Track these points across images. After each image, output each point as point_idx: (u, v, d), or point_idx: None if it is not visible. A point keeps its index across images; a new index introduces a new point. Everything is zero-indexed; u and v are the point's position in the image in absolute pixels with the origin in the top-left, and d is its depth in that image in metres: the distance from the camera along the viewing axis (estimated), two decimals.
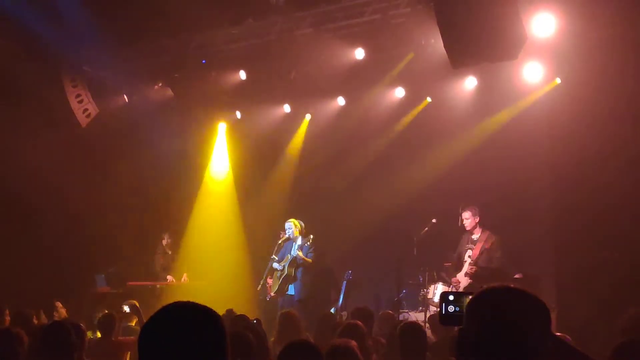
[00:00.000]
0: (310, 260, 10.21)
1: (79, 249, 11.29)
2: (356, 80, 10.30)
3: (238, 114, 12.05)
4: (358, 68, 9.78)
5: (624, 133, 8.30)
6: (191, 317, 1.90)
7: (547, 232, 9.68)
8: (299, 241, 10.36)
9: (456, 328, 2.00)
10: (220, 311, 2.32)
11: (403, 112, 11.04)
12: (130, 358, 6.56)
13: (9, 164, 10.48)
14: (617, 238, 8.36)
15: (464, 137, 10.54)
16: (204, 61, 10.58)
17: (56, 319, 7.89)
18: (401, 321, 6.86)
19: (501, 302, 1.89)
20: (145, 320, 1.94)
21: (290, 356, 3.82)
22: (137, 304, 7.35)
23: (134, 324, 7.80)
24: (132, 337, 6.72)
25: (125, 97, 11.45)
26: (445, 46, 7.44)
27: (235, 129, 12.49)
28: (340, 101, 11.30)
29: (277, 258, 10.47)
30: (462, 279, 9.29)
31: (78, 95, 10.62)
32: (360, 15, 9.20)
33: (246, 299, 10.65)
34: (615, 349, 3.71)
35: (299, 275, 10.30)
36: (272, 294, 10.41)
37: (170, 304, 1.94)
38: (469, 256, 9.35)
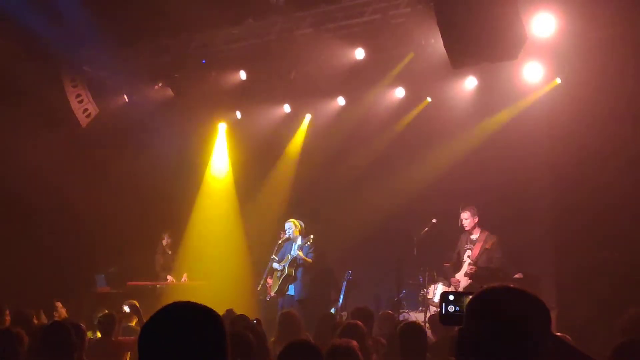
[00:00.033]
0: (310, 260, 10.21)
1: (79, 249, 11.30)
2: (356, 80, 10.30)
3: (238, 114, 12.05)
4: (358, 68, 9.78)
5: (624, 133, 8.31)
6: (191, 317, 1.90)
7: (547, 232, 9.69)
8: (299, 241, 10.36)
9: (456, 328, 2.00)
10: (220, 311, 2.32)
11: (403, 112, 11.04)
12: (130, 358, 6.57)
13: (9, 164, 10.49)
14: (617, 238, 8.37)
15: (464, 137, 10.54)
16: (204, 61, 10.59)
17: (56, 319, 7.88)
18: (401, 321, 6.86)
19: (501, 302, 1.89)
20: (145, 320, 1.94)
21: (290, 356, 3.82)
22: (137, 304, 7.35)
23: (134, 324, 7.81)
24: (132, 337, 6.72)
25: (125, 97, 11.45)
26: (445, 46, 7.44)
27: (235, 129, 12.49)
28: (340, 101, 11.30)
29: (277, 258, 10.46)
30: (462, 279, 9.30)
31: (78, 95, 10.62)
32: (360, 15, 9.20)
33: (246, 299, 10.65)
34: (615, 349, 3.71)
35: (299, 275, 10.30)
36: (272, 294, 10.41)
37: (170, 304, 1.94)
38: (468, 256, 9.35)
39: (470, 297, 1.99)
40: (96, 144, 11.39)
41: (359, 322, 5.55)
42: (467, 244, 9.48)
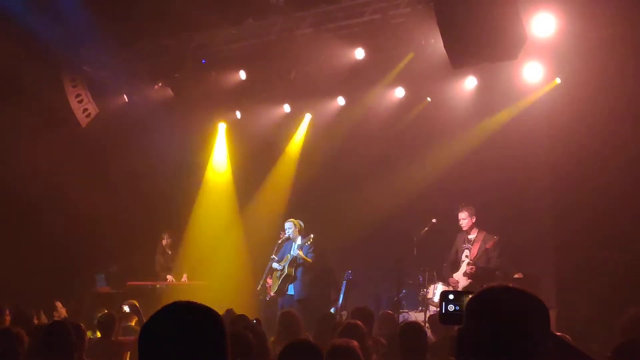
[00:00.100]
0: (310, 260, 10.21)
1: (79, 249, 11.29)
2: (356, 80, 10.30)
3: (238, 114, 12.05)
4: (358, 68, 9.78)
5: (624, 133, 8.32)
6: (191, 317, 1.90)
7: (547, 232, 9.69)
8: (299, 241, 10.36)
9: (456, 327, 2.00)
10: (220, 311, 2.31)
11: (403, 112, 11.04)
12: (130, 358, 6.56)
13: (9, 164, 10.49)
14: (617, 238, 8.37)
15: (464, 137, 10.53)
16: (204, 61, 10.59)
17: (56, 319, 7.88)
18: (401, 321, 6.86)
19: (501, 302, 1.89)
20: (145, 320, 1.94)
21: (290, 356, 3.82)
22: (137, 304, 7.36)
23: (134, 324, 7.81)
24: (132, 337, 6.73)
25: (125, 97, 11.46)
26: (445, 46, 7.45)
27: (235, 129, 12.49)
28: (340, 101, 11.30)
29: (277, 258, 10.46)
30: (461, 279, 9.30)
31: (78, 95, 10.63)
32: (360, 15, 9.21)
33: (246, 299, 10.64)
34: (615, 349, 3.72)
35: (298, 275, 10.29)
36: (272, 294, 10.40)
37: (170, 304, 1.94)
38: (466, 256, 9.36)
39: (470, 296, 1.99)
40: (96, 144, 11.39)
41: (359, 322, 5.55)
42: (464, 243, 9.49)
